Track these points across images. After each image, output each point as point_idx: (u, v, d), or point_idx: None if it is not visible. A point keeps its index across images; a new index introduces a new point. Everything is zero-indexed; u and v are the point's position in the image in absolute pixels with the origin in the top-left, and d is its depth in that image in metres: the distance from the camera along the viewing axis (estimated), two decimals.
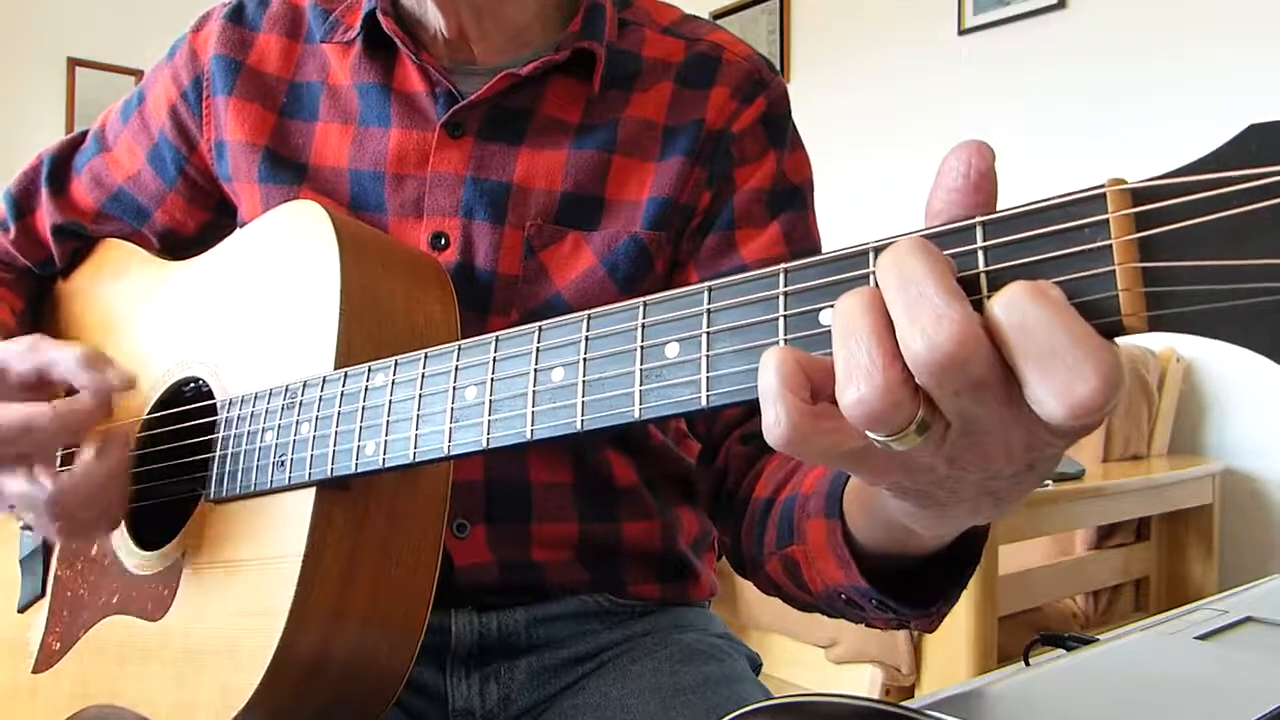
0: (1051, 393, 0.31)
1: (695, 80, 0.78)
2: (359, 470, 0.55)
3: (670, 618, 0.82)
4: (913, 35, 3.24)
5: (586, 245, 0.74)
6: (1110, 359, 0.30)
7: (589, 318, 0.45)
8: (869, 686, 1.97)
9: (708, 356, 0.40)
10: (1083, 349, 0.30)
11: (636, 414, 0.42)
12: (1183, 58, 2.60)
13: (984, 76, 3.05)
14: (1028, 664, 0.51)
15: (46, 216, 0.87)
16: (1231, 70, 2.49)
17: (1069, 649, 0.53)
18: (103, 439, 0.65)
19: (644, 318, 0.43)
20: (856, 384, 0.33)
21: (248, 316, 0.68)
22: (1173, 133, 2.56)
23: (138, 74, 3.97)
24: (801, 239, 0.77)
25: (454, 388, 0.51)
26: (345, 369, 0.58)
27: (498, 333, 0.49)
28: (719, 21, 3.70)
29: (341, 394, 0.57)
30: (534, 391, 0.47)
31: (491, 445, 0.48)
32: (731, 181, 0.76)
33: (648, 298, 0.43)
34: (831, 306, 0.36)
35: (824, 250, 0.39)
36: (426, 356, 0.53)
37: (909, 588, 0.54)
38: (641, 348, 0.42)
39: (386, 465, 0.54)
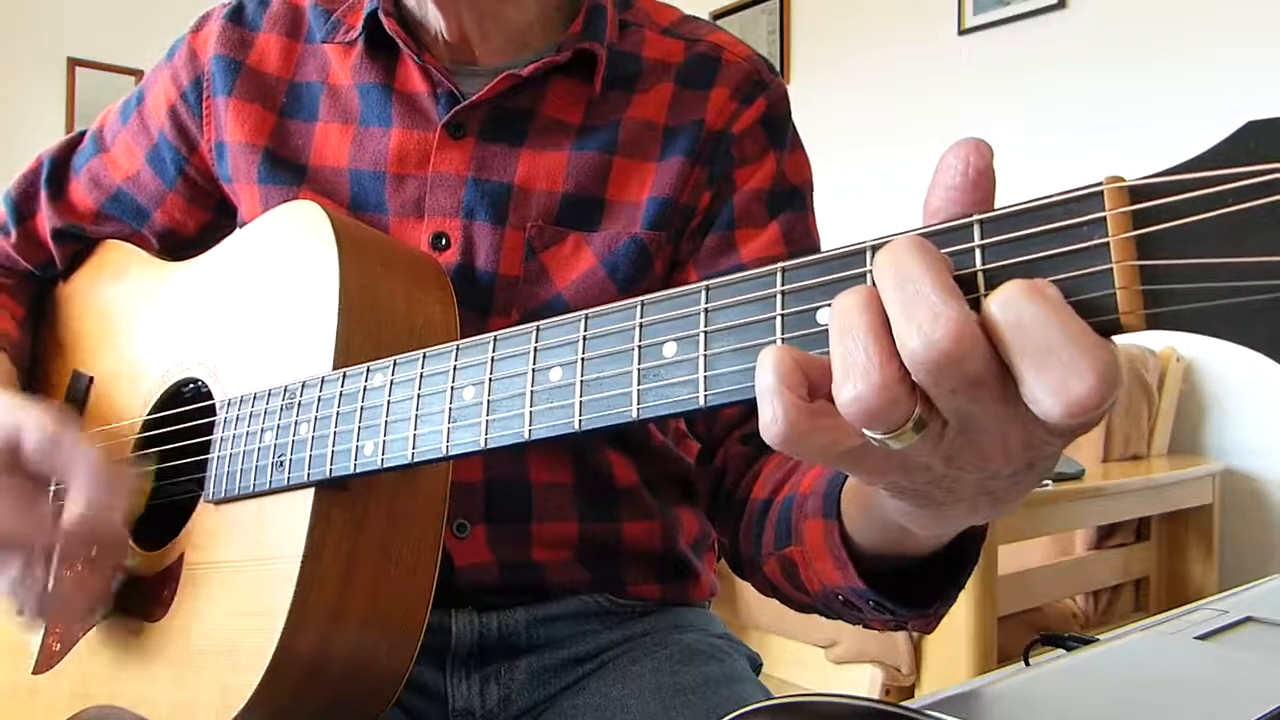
0: (1048, 391, 0.31)
1: (695, 81, 0.78)
2: (357, 470, 0.55)
3: (670, 618, 0.82)
4: (913, 35, 3.24)
5: (587, 246, 0.74)
6: (1107, 357, 0.30)
7: (586, 317, 0.45)
8: (869, 686, 1.97)
9: (705, 356, 0.40)
10: (1079, 347, 0.30)
11: (634, 414, 0.42)
12: (1182, 57, 2.60)
13: (984, 76, 3.05)
14: (1028, 664, 0.51)
15: (46, 220, 0.87)
16: (1231, 70, 2.49)
17: (1069, 649, 0.53)
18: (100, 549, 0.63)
19: (641, 317, 0.43)
20: (853, 381, 0.33)
21: (247, 317, 0.68)
22: (1173, 132, 2.56)
23: (138, 74, 3.98)
24: (801, 239, 0.77)
25: (452, 388, 0.51)
26: (344, 369, 0.57)
27: (496, 333, 0.49)
28: (719, 21, 3.70)
29: (340, 394, 0.57)
30: (532, 391, 0.46)
31: (490, 445, 0.48)
32: (731, 182, 0.76)
33: (645, 297, 0.43)
34: (829, 305, 0.35)
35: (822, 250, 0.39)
36: (425, 357, 0.53)
37: (906, 589, 0.54)
38: (639, 347, 0.42)
39: (385, 465, 0.54)
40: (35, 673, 0.74)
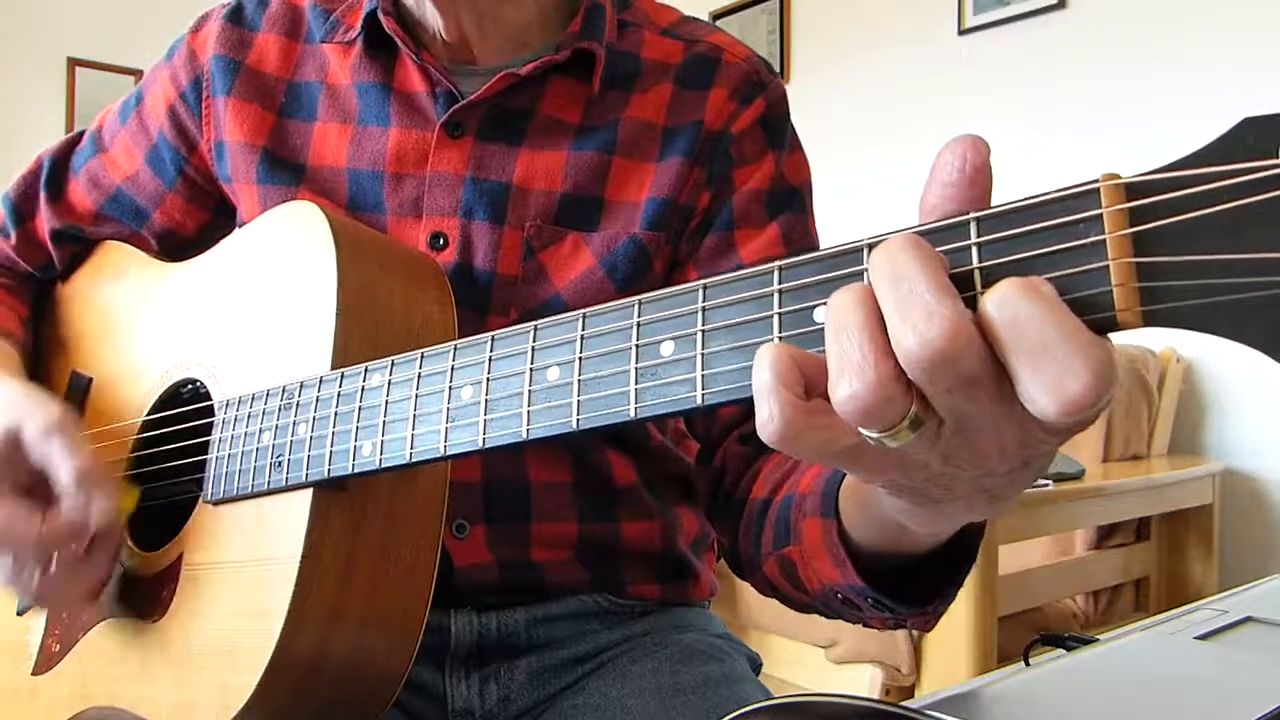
0: (1043, 389, 0.30)
1: (694, 81, 0.78)
2: (356, 471, 0.55)
3: (670, 618, 0.82)
4: (913, 35, 3.24)
5: (586, 246, 0.74)
6: (1102, 355, 0.30)
7: (584, 317, 0.45)
8: (869, 686, 1.96)
9: (702, 355, 0.40)
10: (1074, 345, 0.30)
11: (632, 413, 0.42)
12: (1182, 57, 2.60)
13: (984, 76, 3.05)
14: (1028, 664, 0.51)
15: (45, 222, 0.87)
16: (1230, 70, 2.49)
17: (1069, 649, 0.53)
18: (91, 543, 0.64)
19: (639, 316, 0.43)
20: (848, 379, 0.33)
21: (245, 318, 0.68)
22: (1172, 132, 2.56)
23: (138, 74, 3.98)
24: (800, 240, 0.77)
25: (450, 388, 0.51)
26: (342, 369, 0.57)
27: (493, 332, 0.49)
28: (719, 22, 3.71)
29: (338, 394, 0.57)
30: (529, 391, 0.46)
31: (487, 445, 0.48)
32: (730, 182, 0.76)
33: (642, 296, 0.43)
34: (825, 304, 0.35)
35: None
36: (423, 357, 0.53)
37: (905, 586, 0.54)
38: (636, 346, 0.42)
39: (383, 465, 0.54)
40: (35, 673, 0.74)
